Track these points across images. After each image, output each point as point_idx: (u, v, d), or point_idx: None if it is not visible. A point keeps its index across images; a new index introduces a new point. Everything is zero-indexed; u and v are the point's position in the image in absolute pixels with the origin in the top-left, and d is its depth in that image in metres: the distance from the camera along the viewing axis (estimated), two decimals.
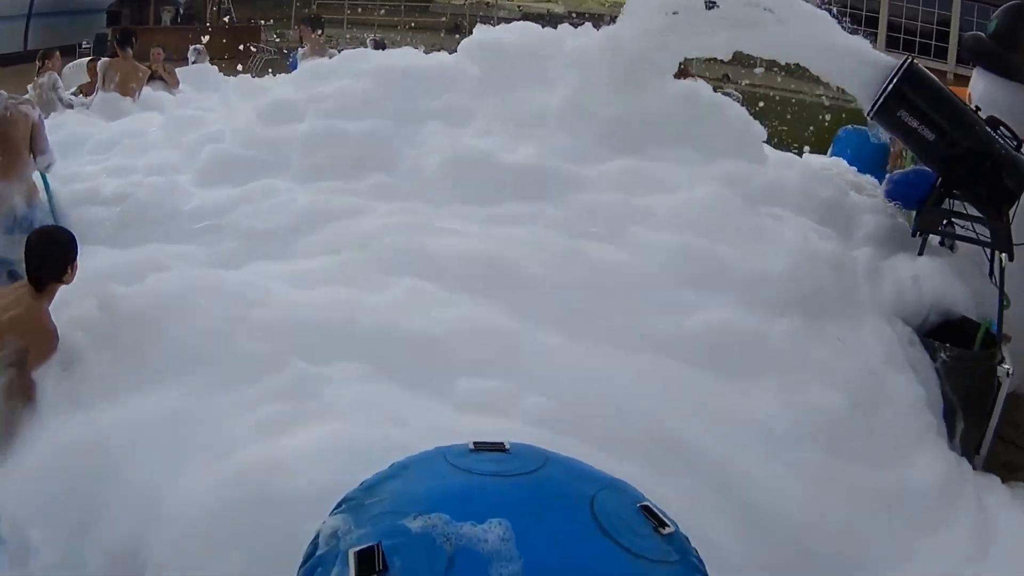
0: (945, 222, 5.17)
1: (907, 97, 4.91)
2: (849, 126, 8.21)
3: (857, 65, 5.09)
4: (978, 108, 5.07)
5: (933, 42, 22.96)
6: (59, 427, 3.29)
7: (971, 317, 4.77)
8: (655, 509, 2.23)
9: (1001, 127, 4.98)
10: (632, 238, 4.46)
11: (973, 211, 5.10)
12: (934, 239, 5.31)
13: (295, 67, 9.58)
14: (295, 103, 6.07)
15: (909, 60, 4.99)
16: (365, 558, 1.94)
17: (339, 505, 2.20)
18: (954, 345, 4.55)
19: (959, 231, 5.17)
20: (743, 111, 5.72)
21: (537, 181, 4.97)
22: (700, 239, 4.43)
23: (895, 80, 4.90)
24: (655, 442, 3.37)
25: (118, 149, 6.65)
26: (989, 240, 4.95)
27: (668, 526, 2.19)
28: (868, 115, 5.24)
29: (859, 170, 6.89)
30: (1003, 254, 4.91)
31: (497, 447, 2.30)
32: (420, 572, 1.93)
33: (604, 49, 5.57)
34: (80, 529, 3.01)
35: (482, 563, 1.94)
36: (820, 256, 4.51)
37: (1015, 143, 4.96)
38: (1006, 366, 4.58)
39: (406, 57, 6.48)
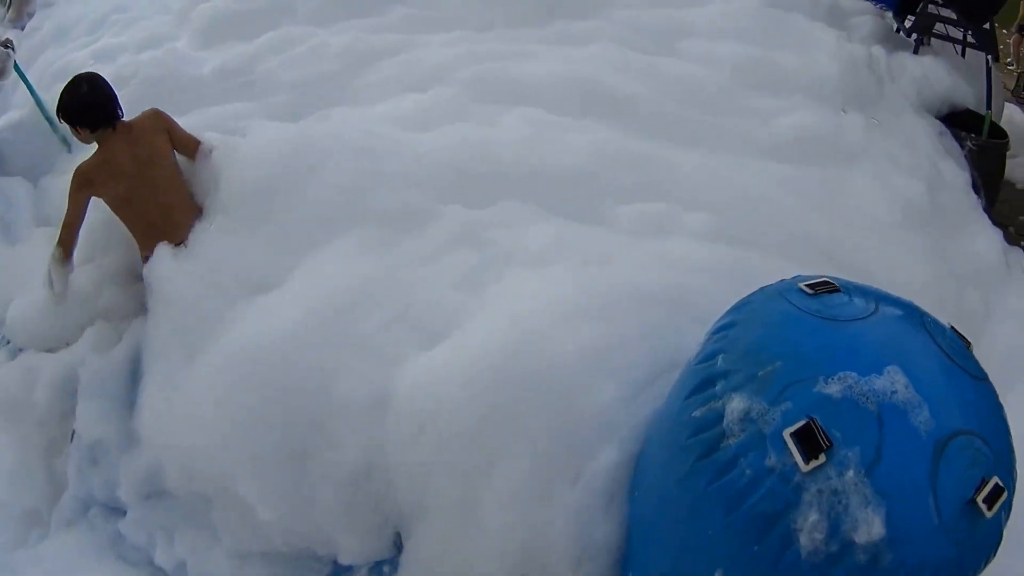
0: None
1: None
2: None
3: None
4: None
5: None
6: (222, 329, 2.51)
7: (973, 109, 4.53)
8: (957, 328, 1.88)
9: None
10: (691, 51, 3.91)
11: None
12: None
13: None
14: None
15: None
16: (806, 437, 1.51)
17: (709, 381, 1.69)
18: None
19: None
20: None
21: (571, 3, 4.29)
22: (753, 48, 3.93)
23: None
24: (796, 239, 3.01)
25: (105, 29, 5.32)
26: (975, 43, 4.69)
27: (970, 343, 1.85)
28: None
29: None
30: (988, 55, 4.67)
31: (831, 287, 1.82)
32: (860, 439, 1.51)
33: None
34: (292, 466, 2.26)
35: (903, 415, 1.55)
36: (855, 56, 4.12)
37: None
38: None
39: None
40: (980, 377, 1.74)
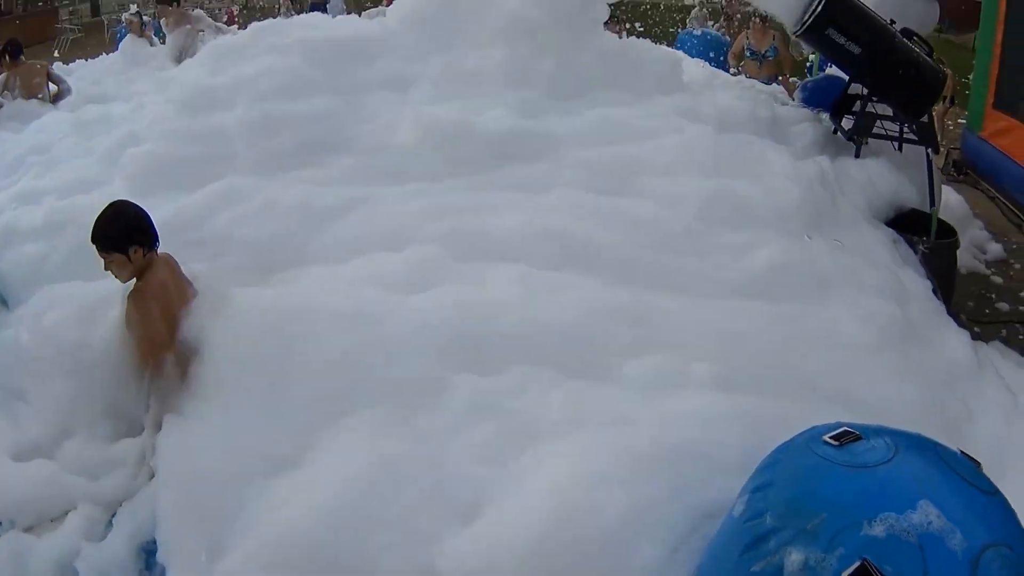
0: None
1: (834, 16, 5.17)
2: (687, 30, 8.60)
3: None
4: (892, 21, 5.40)
5: None
6: (248, 513, 2.83)
7: (917, 208, 5.21)
8: (965, 451, 2.38)
9: (914, 36, 5.38)
10: (651, 189, 4.44)
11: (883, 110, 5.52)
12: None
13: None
14: (216, 89, 5.33)
15: None
16: None
17: (762, 538, 2.13)
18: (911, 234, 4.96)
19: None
20: (662, 50, 5.79)
21: (522, 142, 4.78)
22: (711, 180, 4.48)
23: (823, 3, 5.11)
24: (788, 376, 3.49)
25: (24, 170, 5.62)
26: (914, 138, 5.41)
27: (979, 462, 2.35)
28: (795, 35, 5.45)
29: None
30: (929, 148, 5.39)
31: (853, 436, 2.31)
32: (908, 570, 1.97)
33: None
34: None
35: (940, 542, 2.02)
36: (809, 175, 4.72)
37: (927, 50, 5.38)
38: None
39: (325, 26, 5.86)
40: (992, 492, 2.24)
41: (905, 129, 5.50)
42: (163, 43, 8.80)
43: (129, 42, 8.85)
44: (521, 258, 3.91)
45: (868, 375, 3.67)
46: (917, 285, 4.47)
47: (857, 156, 5.40)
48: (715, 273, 4.01)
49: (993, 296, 6.18)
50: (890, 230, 4.87)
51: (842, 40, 5.21)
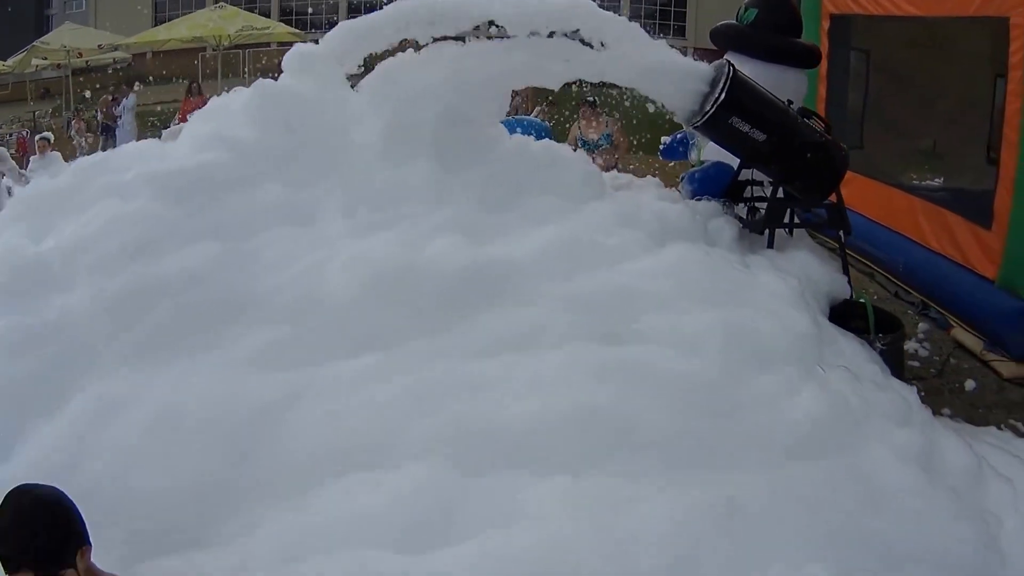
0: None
1: (738, 104, 4.87)
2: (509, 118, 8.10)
3: (680, 81, 4.90)
4: (790, 102, 5.17)
5: (672, 22, 29.59)
6: None
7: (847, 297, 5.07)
8: None
9: (814, 116, 5.21)
10: (658, 331, 3.86)
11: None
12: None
13: None
14: (44, 260, 3.95)
15: (732, 68, 4.89)
16: None
17: None
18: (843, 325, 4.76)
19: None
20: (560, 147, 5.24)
21: (485, 279, 3.98)
22: (717, 313, 3.97)
23: (725, 90, 4.78)
24: (874, 547, 3.28)
25: None
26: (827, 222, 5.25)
27: None
28: (693, 126, 5.08)
29: None
30: (842, 231, 5.25)
31: None
32: None
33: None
34: None
35: None
36: (801, 293, 4.42)
37: (825, 127, 5.22)
38: None
39: (167, 154, 4.58)
40: None
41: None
42: None
43: None
44: (553, 461, 3.24)
45: (927, 524, 3.43)
46: (910, 394, 4.28)
47: (770, 246, 5.13)
48: (761, 435, 3.56)
49: None
50: (852, 334, 4.62)
51: (746, 128, 4.91)
